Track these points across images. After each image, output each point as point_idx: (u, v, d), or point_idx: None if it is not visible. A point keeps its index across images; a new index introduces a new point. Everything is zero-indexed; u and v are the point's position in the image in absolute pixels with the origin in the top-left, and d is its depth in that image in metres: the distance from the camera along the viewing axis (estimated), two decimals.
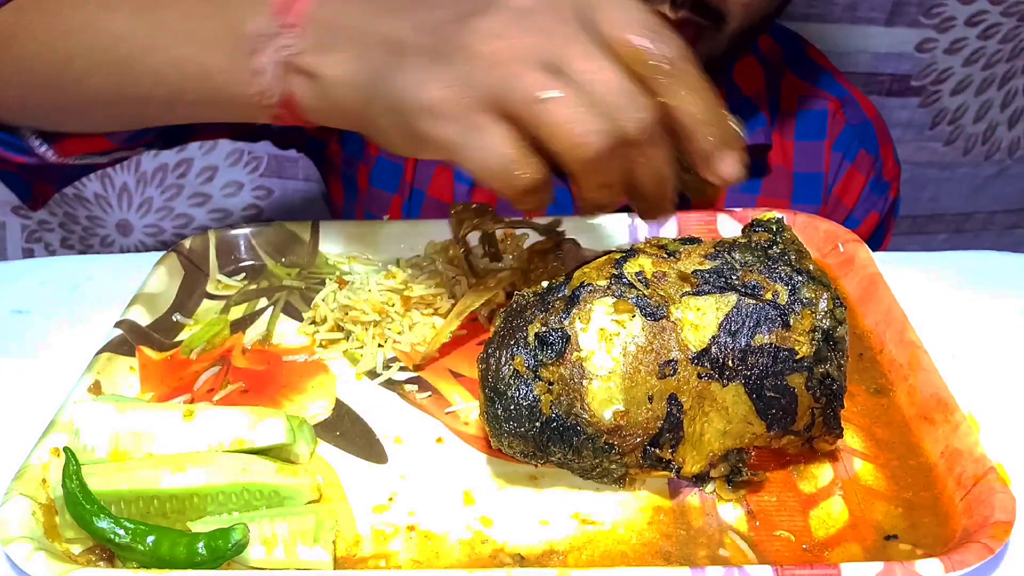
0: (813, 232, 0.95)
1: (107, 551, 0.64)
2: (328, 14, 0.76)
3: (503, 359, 0.67)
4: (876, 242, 1.31)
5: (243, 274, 0.96)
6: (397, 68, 0.71)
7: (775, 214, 0.74)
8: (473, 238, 0.90)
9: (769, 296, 0.66)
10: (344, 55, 0.74)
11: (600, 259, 0.71)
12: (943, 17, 1.86)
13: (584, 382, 0.65)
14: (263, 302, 0.92)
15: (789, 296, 0.66)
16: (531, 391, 0.66)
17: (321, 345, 0.85)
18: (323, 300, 0.89)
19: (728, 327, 0.65)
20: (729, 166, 0.70)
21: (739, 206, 1.02)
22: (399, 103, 0.70)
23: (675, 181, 0.71)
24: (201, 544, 0.62)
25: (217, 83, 0.79)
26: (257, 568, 0.63)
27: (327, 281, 0.92)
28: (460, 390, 0.80)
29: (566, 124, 0.65)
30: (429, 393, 0.80)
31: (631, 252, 0.71)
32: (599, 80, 0.65)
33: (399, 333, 0.85)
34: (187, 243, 0.96)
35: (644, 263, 0.69)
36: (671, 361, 0.65)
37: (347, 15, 0.75)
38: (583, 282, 0.68)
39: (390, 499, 0.69)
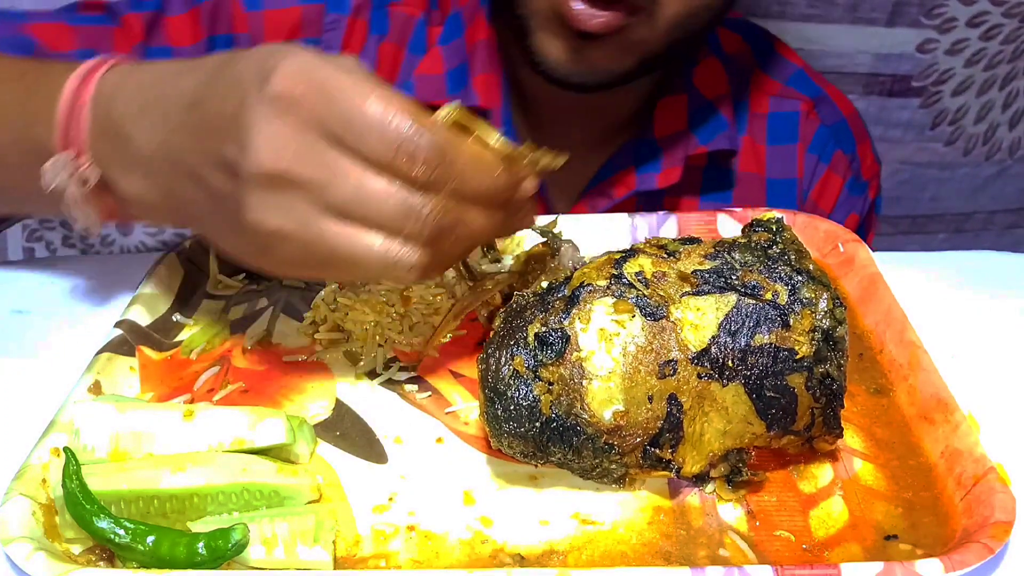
0: (813, 232, 0.95)
1: (107, 551, 0.64)
2: (106, 143, 0.78)
3: (503, 359, 0.67)
4: None
5: (243, 274, 0.96)
6: (193, 202, 0.73)
7: (775, 214, 0.74)
8: None
9: (769, 296, 0.66)
10: (135, 179, 0.77)
11: (600, 259, 0.71)
12: (944, 18, 1.86)
13: (584, 382, 0.65)
14: (263, 302, 0.92)
15: (789, 296, 0.66)
16: (531, 391, 0.66)
17: (321, 345, 0.85)
18: (323, 300, 0.89)
19: (728, 327, 0.65)
20: (527, 190, 0.73)
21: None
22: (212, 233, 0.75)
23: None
24: (201, 544, 0.62)
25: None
26: (257, 568, 0.63)
27: (327, 281, 0.92)
28: (460, 390, 0.80)
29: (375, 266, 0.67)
30: (429, 393, 0.80)
31: (631, 252, 0.71)
32: (375, 203, 0.66)
33: (399, 333, 0.85)
34: (187, 243, 0.96)
35: (644, 263, 0.69)
36: (671, 361, 0.65)
37: (124, 140, 0.77)
38: (583, 282, 0.68)
39: (390, 499, 0.69)
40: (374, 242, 0.66)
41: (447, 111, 0.69)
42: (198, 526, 0.65)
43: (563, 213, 1.00)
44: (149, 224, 0.85)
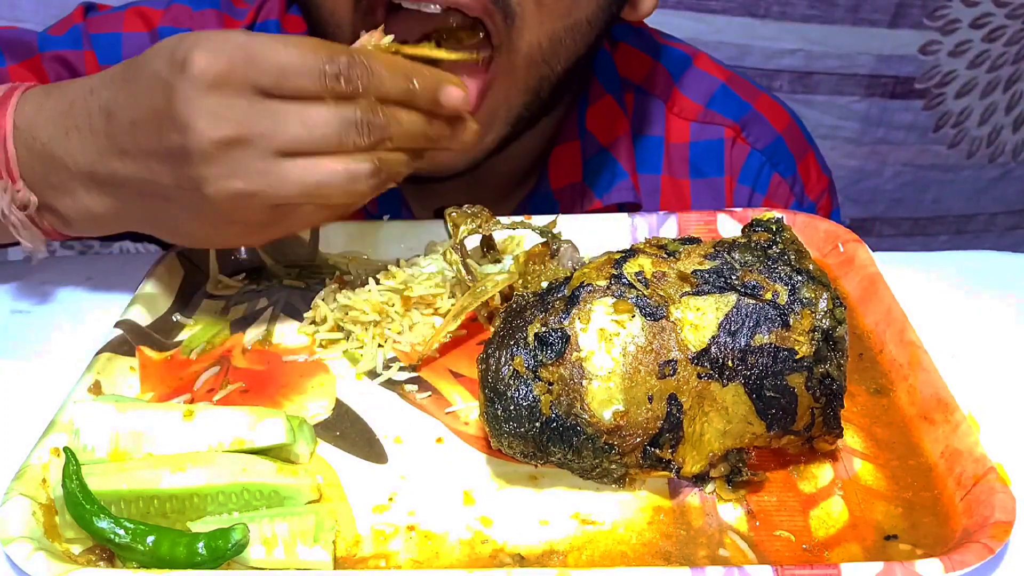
0: (813, 232, 0.94)
1: (107, 551, 0.64)
2: (38, 168, 0.81)
3: (503, 359, 0.67)
4: None
5: (243, 274, 0.96)
6: (145, 204, 0.78)
7: (775, 214, 0.74)
8: (473, 240, 0.90)
9: (769, 296, 0.66)
10: (77, 197, 0.81)
11: (600, 259, 0.71)
12: (947, 19, 1.86)
13: (584, 382, 0.65)
14: (263, 302, 0.92)
15: (789, 296, 0.66)
16: (531, 391, 0.66)
17: (321, 345, 0.85)
18: (323, 300, 0.89)
19: (728, 327, 0.65)
20: (452, 95, 0.78)
21: None
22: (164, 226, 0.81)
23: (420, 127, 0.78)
24: (201, 544, 0.62)
25: None
26: (257, 568, 0.63)
27: (327, 281, 0.92)
28: (460, 390, 0.80)
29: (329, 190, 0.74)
30: (429, 393, 0.80)
31: (631, 252, 0.71)
32: (319, 130, 0.73)
33: (399, 333, 0.85)
34: None
35: (644, 263, 0.69)
36: (671, 361, 0.65)
37: (56, 164, 0.80)
38: (583, 282, 0.68)
39: (390, 499, 0.69)
40: (331, 164, 0.73)
41: (368, 39, 0.79)
42: (198, 526, 0.65)
43: None
44: (96, 237, 0.87)
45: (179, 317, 0.89)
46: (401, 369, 0.82)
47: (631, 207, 1.08)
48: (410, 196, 1.15)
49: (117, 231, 0.85)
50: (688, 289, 0.67)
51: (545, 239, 0.82)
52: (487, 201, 0.96)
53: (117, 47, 1.15)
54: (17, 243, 0.87)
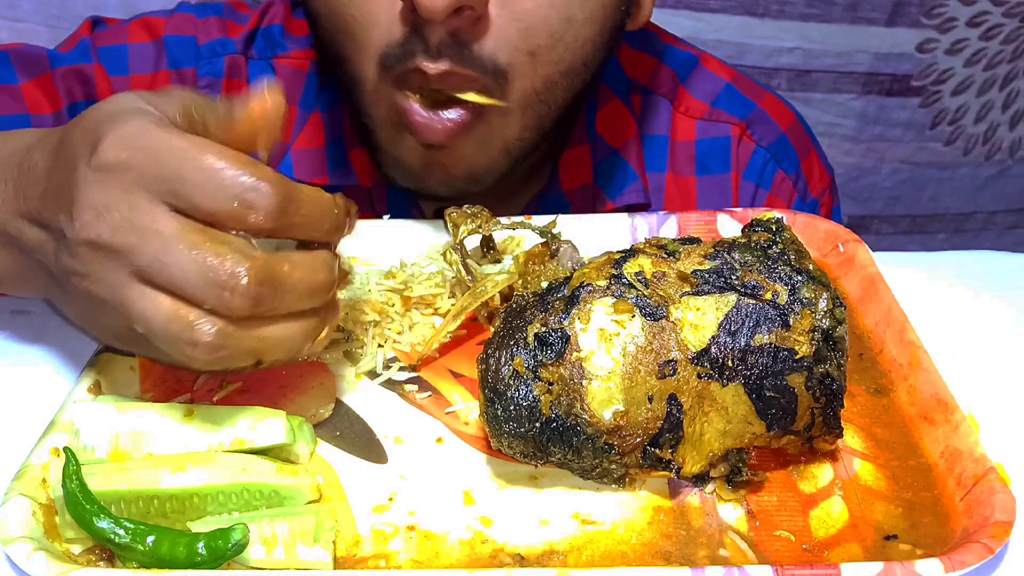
0: (813, 232, 0.95)
1: (107, 551, 0.64)
2: None
3: (503, 359, 0.67)
4: None
5: None
6: (38, 272, 0.72)
7: (774, 214, 0.74)
8: (473, 240, 0.90)
9: (769, 296, 0.66)
10: None
11: (600, 259, 0.71)
12: (944, 18, 1.86)
13: (584, 382, 0.65)
14: None
15: (789, 296, 0.66)
16: (531, 391, 0.66)
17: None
18: None
19: (728, 327, 0.65)
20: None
21: None
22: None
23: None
24: (201, 544, 0.62)
25: None
26: (257, 568, 0.63)
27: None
28: (460, 390, 0.80)
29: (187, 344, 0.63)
30: (429, 393, 0.80)
31: (631, 252, 0.71)
32: (176, 268, 0.62)
33: (399, 333, 0.85)
34: None
35: (644, 263, 0.69)
36: (671, 361, 0.65)
37: None
38: (583, 282, 0.68)
39: (390, 499, 0.69)
40: (163, 305, 0.62)
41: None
42: (198, 526, 0.65)
43: None
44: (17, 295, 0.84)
45: None
46: (401, 369, 0.82)
47: (641, 207, 1.09)
48: (422, 199, 1.14)
49: (23, 294, 0.81)
50: (688, 289, 0.67)
51: (545, 239, 0.82)
52: (494, 202, 0.95)
53: (124, 59, 1.13)
54: None
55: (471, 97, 0.88)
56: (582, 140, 1.11)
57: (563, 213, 0.94)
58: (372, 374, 0.82)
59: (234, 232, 0.64)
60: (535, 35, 0.87)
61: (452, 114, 0.90)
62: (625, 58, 1.15)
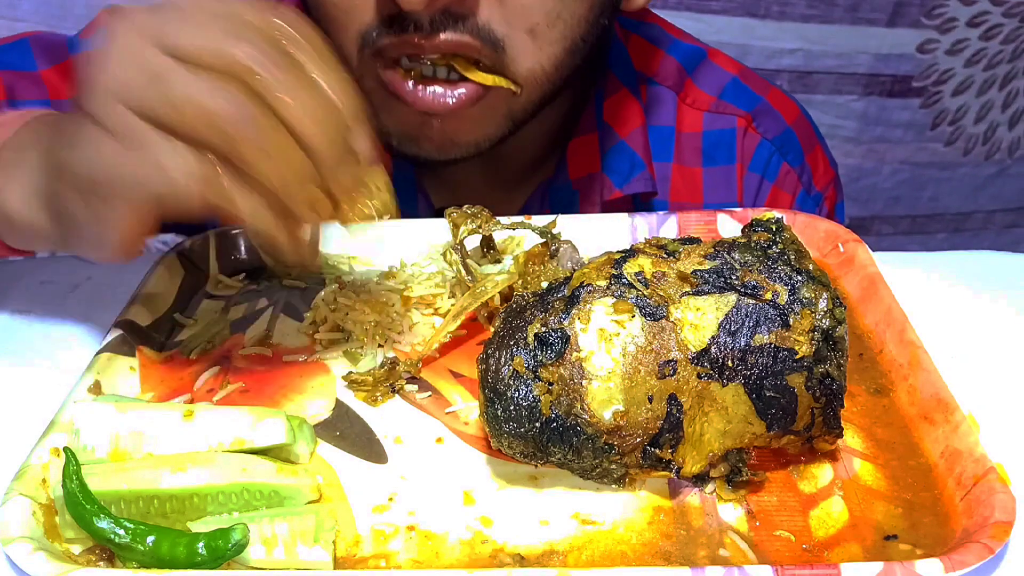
0: (813, 232, 0.95)
1: (107, 551, 0.64)
2: None
3: (503, 359, 0.67)
4: None
5: (243, 274, 0.96)
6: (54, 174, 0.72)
7: (774, 214, 0.74)
8: (473, 240, 0.90)
9: (769, 296, 0.66)
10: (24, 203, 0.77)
11: (599, 259, 0.71)
12: (945, 18, 1.86)
13: (584, 382, 0.65)
14: (263, 302, 0.92)
15: (789, 296, 0.66)
16: (531, 391, 0.66)
17: (321, 345, 0.85)
18: (323, 300, 0.89)
19: (728, 327, 0.65)
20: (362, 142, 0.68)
21: None
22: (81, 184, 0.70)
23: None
24: (201, 544, 0.62)
25: None
26: (257, 568, 0.63)
27: (327, 281, 0.92)
28: (460, 390, 0.80)
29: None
30: (429, 393, 0.80)
31: (630, 252, 0.71)
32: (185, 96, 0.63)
33: (399, 333, 0.85)
34: (187, 243, 0.96)
35: (644, 263, 0.69)
36: (671, 361, 0.65)
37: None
38: (583, 282, 0.68)
39: (390, 499, 0.69)
40: (177, 154, 0.64)
41: None
42: (198, 526, 0.65)
43: None
44: (38, 249, 0.84)
45: (179, 317, 0.89)
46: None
47: (647, 195, 1.10)
48: (427, 184, 1.15)
49: (61, 248, 0.81)
50: (688, 289, 0.67)
51: (545, 239, 0.82)
52: (500, 185, 1.00)
53: None
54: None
55: (481, 78, 0.88)
56: (590, 128, 1.12)
57: (572, 202, 0.96)
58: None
59: None
60: (530, 13, 0.88)
61: (460, 90, 0.91)
62: (633, 50, 1.16)
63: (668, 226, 0.97)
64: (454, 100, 0.91)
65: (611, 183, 1.11)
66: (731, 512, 0.67)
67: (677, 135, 1.16)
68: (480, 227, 0.84)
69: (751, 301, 0.66)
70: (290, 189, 0.66)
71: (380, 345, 0.84)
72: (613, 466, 0.67)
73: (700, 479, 0.68)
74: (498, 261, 0.92)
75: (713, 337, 0.65)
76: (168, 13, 0.65)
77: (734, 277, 0.67)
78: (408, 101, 0.93)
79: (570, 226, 0.89)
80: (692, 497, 0.69)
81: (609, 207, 1.11)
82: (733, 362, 0.65)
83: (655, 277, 0.68)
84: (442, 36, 0.87)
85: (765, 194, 1.17)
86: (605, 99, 1.13)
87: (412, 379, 0.81)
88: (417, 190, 1.14)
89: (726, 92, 1.18)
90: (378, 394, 0.79)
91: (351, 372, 0.81)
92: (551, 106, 1.02)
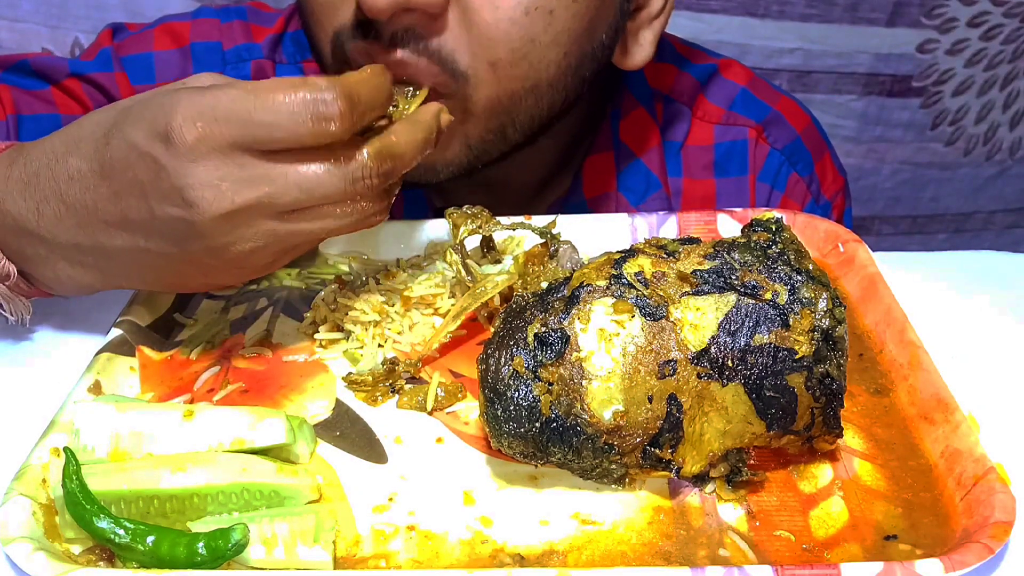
0: (813, 232, 0.95)
1: (107, 551, 0.64)
2: (14, 241, 0.79)
3: (503, 360, 0.67)
4: None
5: None
6: (143, 269, 0.78)
7: (774, 214, 0.74)
8: (473, 240, 0.90)
9: (768, 296, 0.66)
10: (59, 267, 0.79)
11: (599, 259, 0.71)
12: (945, 18, 1.86)
13: (584, 382, 0.65)
14: (263, 302, 0.92)
15: (788, 296, 0.66)
16: (531, 392, 0.66)
17: (321, 345, 0.85)
18: (323, 300, 0.89)
19: (727, 327, 0.65)
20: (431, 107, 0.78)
21: None
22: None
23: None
24: (201, 544, 0.62)
25: None
26: (257, 568, 0.63)
27: (327, 281, 0.92)
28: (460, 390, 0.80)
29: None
30: None
31: (630, 252, 0.71)
32: (319, 190, 0.71)
33: (399, 333, 0.85)
34: None
35: (643, 263, 0.69)
36: (671, 361, 0.65)
37: (32, 238, 0.77)
38: (582, 282, 0.68)
39: (390, 499, 0.69)
40: (339, 215, 0.72)
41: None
42: (198, 526, 0.65)
43: None
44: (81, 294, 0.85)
45: (179, 317, 0.89)
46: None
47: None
48: (436, 203, 1.15)
49: (104, 289, 0.83)
50: (688, 289, 0.67)
51: (544, 240, 0.82)
52: (513, 206, 0.99)
53: (150, 67, 1.15)
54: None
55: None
56: (606, 147, 1.13)
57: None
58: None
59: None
60: (495, 48, 0.88)
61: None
62: (649, 68, 1.15)
63: (668, 226, 0.97)
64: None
65: (627, 201, 1.12)
66: (731, 512, 0.67)
67: (684, 149, 1.16)
68: (480, 227, 0.84)
69: (751, 301, 0.66)
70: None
71: (380, 345, 0.84)
72: (613, 466, 0.67)
73: (700, 479, 0.68)
74: (498, 261, 0.92)
75: (713, 337, 0.65)
76: (237, 113, 0.68)
77: (734, 277, 0.67)
78: None
79: (570, 226, 0.89)
80: (692, 497, 0.69)
81: None
82: (733, 362, 0.65)
83: (655, 277, 0.68)
84: (399, 53, 0.86)
85: (775, 204, 1.18)
86: (622, 118, 1.13)
87: (412, 379, 0.81)
88: (428, 208, 1.15)
89: (736, 103, 1.19)
90: (378, 394, 0.79)
91: (351, 372, 0.81)
92: (546, 140, 1.02)
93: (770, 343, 0.65)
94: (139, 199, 0.71)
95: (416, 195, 1.13)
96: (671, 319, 0.66)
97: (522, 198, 1.14)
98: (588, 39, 0.93)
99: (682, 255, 0.70)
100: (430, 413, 0.77)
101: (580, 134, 1.13)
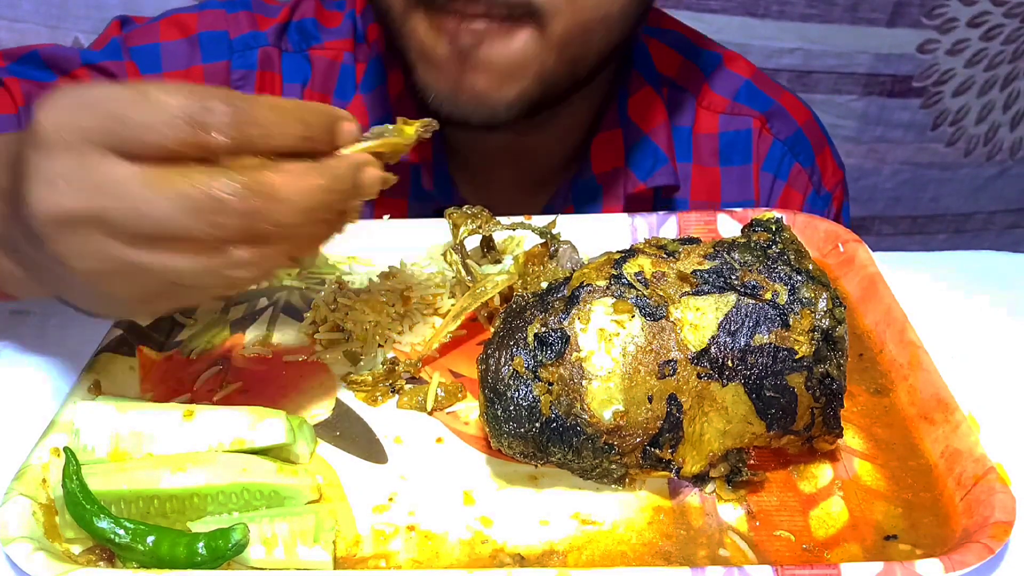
0: (813, 232, 0.95)
1: (107, 551, 0.64)
2: None
3: (503, 360, 0.67)
4: None
5: None
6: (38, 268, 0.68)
7: (774, 214, 0.74)
8: (473, 240, 0.90)
9: (768, 296, 0.66)
10: None
11: (599, 259, 0.71)
12: (945, 18, 1.86)
13: (584, 382, 0.65)
14: (263, 302, 0.92)
15: (788, 296, 0.66)
16: (531, 392, 0.66)
17: (321, 345, 0.85)
18: (323, 300, 0.89)
19: (727, 327, 0.65)
20: (346, 130, 0.66)
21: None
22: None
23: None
24: (201, 544, 0.62)
25: None
26: (257, 568, 0.63)
27: (327, 281, 0.92)
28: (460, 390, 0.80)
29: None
30: None
31: (630, 252, 0.71)
32: (164, 217, 0.58)
33: (399, 333, 0.85)
34: None
35: (643, 263, 0.69)
36: (671, 361, 0.65)
37: None
38: (582, 282, 0.68)
39: (390, 499, 0.69)
40: (191, 259, 0.60)
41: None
42: (198, 526, 0.65)
43: None
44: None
45: (179, 317, 0.89)
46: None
47: (670, 190, 1.14)
48: (459, 179, 1.17)
49: (36, 295, 0.76)
50: (688, 289, 0.67)
51: (544, 240, 0.82)
52: (528, 184, 1.06)
53: (156, 58, 1.14)
54: None
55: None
56: (614, 124, 1.14)
57: (596, 197, 1.02)
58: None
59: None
60: None
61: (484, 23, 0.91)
62: (655, 54, 1.19)
63: (668, 226, 0.97)
64: (478, 29, 0.91)
65: (635, 177, 1.14)
66: (731, 512, 0.67)
67: (695, 136, 1.19)
68: (480, 227, 0.84)
69: (751, 301, 0.66)
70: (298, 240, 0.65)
71: (380, 345, 0.84)
72: (613, 466, 0.67)
73: (700, 479, 0.68)
74: (498, 261, 0.92)
75: (713, 337, 0.65)
76: (107, 105, 0.59)
77: (734, 277, 0.67)
78: (450, 34, 0.92)
79: (570, 226, 0.89)
80: (692, 497, 0.69)
81: (632, 201, 1.13)
82: (733, 362, 0.65)
83: (655, 277, 0.68)
84: (484, 8, 0.89)
85: (778, 193, 1.20)
86: (630, 96, 1.15)
87: (412, 379, 0.81)
88: (452, 185, 1.16)
89: (740, 95, 1.21)
90: (378, 394, 0.79)
91: (351, 372, 0.81)
92: (579, 101, 1.04)
93: (770, 343, 0.65)
94: (11, 198, 0.63)
95: (443, 173, 1.14)
96: (671, 319, 0.66)
97: (539, 177, 1.17)
98: None
99: (682, 255, 0.70)
100: (430, 413, 0.77)
101: (594, 118, 1.15)
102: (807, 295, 0.66)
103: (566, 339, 0.66)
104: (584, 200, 1.14)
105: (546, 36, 0.91)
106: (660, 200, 1.17)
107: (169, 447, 0.69)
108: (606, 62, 1.02)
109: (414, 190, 1.14)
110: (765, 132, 1.20)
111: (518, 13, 0.89)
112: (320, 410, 0.78)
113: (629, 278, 0.68)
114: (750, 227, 0.72)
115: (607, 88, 1.15)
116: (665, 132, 1.16)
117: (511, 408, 0.66)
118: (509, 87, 0.95)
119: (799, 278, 0.67)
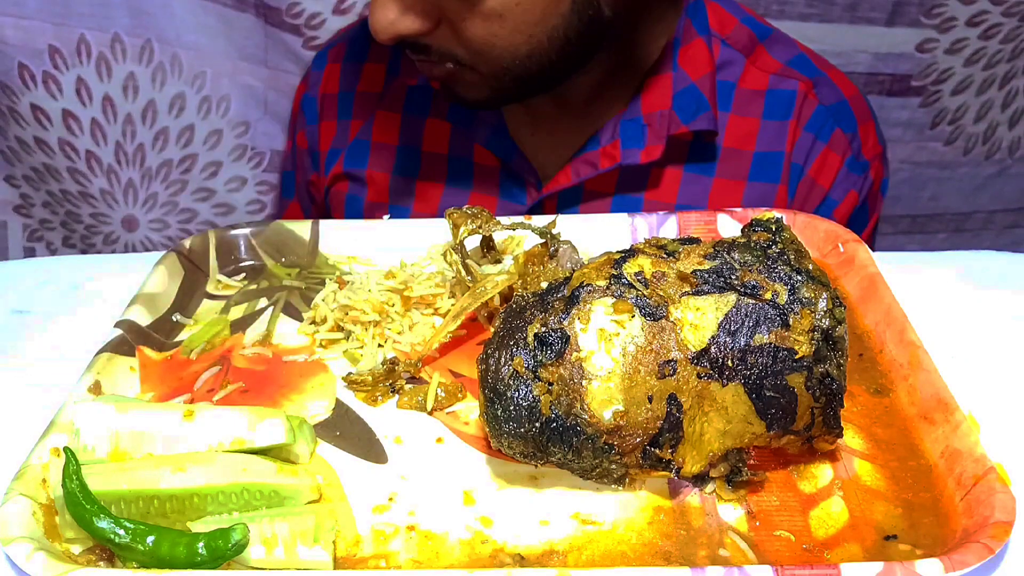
0: (813, 232, 0.95)
1: (107, 551, 0.64)
2: None
3: (503, 360, 0.67)
4: (861, 223, 1.29)
5: (243, 274, 0.96)
6: None
7: (774, 214, 0.74)
8: (473, 240, 0.90)
9: (768, 296, 0.66)
10: None
11: (599, 259, 0.71)
12: (944, 17, 1.86)
13: (584, 382, 0.65)
14: (263, 302, 0.92)
15: (788, 296, 0.66)
16: (531, 392, 0.66)
17: (321, 345, 0.85)
18: (323, 300, 0.89)
19: (727, 327, 0.65)
20: None
21: (695, 188, 1.15)
22: None
23: None
24: (201, 544, 0.62)
25: None
26: (257, 568, 0.63)
27: (327, 281, 0.92)
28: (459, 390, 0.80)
29: None
30: None
31: (630, 252, 0.71)
32: None
33: (399, 333, 0.85)
34: (187, 243, 0.96)
35: (643, 263, 0.69)
36: (671, 361, 0.65)
37: None
38: (582, 282, 0.68)
39: (390, 499, 0.69)
40: None
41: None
42: (198, 526, 0.65)
43: (550, 176, 1.22)
44: None
45: (179, 317, 0.89)
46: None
47: (708, 135, 1.22)
48: (507, 114, 1.27)
49: None
50: (688, 289, 0.67)
51: (544, 240, 0.82)
52: (575, 116, 1.24)
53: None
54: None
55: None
56: (667, 69, 1.23)
57: (640, 135, 1.16)
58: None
59: None
60: (473, 44, 1.06)
61: (438, 70, 1.11)
62: (712, 14, 1.26)
63: (668, 226, 0.98)
64: (441, 72, 1.11)
65: (679, 119, 1.20)
66: (731, 512, 0.67)
67: (738, 89, 1.25)
68: (480, 227, 0.84)
69: (751, 301, 0.66)
70: None
71: (380, 345, 0.84)
72: (613, 466, 0.67)
73: (700, 479, 0.68)
74: (498, 261, 0.92)
75: (713, 337, 0.65)
76: None
77: (734, 277, 0.67)
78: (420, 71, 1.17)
79: (570, 226, 0.89)
80: (692, 497, 0.69)
81: (674, 142, 1.20)
82: (733, 362, 0.65)
83: (655, 277, 0.68)
84: (418, 58, 1.11)
85: (816, 153, 1.25)
86: (682, 45, 1.23)
87: (412, 379, 0.81)
88: (500, 117, 1.27)
89: (793, 61, 1.27)
90: (378, 394, 0.79)
91: (351, 372, 0.81)
92: (599, 57, 1.16)
93: (770, 343, 0.65)
94: None
95: (500, 124, 1.26)
96: (671, 319, 0.66)
97: (582, 109, 1.24)
98: (552, 17, 1.06)
99: (682, 255, 0.70)
100: (430, 413, 0.77)
101: (631, 59, 1.23)
102: (807, 295, 0.66)
103: (566, 339, 0.66)
104: (629, 136, 1.21)
105: (481, 72, 1.09)
106: (699, 143, 1.22)
107: (169, 447, 0.69)
108: (564, 66, 1.12)
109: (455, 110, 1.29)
110: (811, 96, 1.25)
111: (449, 64, 1.09)
112: (320, 410, 0.78)
113: (629, 278, 0.68)
114: (750, 227, 0.72)
115: (629, 41, 1.22)
116: (710, 82, 1.22)
117: (511, 408, 0.66)
118: (479, 91, 1.13)
119: (799, 278, 0.67)
